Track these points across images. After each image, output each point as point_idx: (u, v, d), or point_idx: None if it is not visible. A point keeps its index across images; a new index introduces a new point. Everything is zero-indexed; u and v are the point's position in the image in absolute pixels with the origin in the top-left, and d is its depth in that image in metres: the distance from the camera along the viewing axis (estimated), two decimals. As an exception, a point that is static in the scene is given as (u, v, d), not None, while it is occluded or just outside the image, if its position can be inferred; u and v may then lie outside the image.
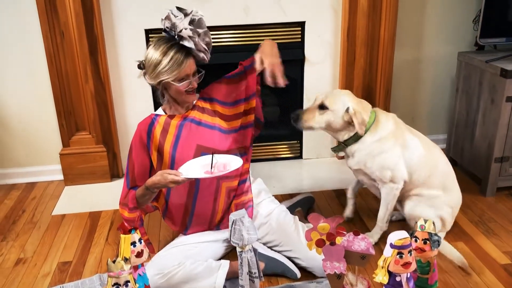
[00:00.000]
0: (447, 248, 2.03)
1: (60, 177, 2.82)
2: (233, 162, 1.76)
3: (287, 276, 1.92)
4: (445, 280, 1.90)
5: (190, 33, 1.78)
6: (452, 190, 2.11)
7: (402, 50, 2.90)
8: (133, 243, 1.49)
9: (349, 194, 2.32)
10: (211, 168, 1.74)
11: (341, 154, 2.11)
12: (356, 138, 2.01)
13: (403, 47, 2.91)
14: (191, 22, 1.80)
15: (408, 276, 1.42)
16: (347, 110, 1.96)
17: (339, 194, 2.62)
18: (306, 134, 3.01)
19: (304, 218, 2.23)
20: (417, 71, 3.00)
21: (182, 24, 1.77)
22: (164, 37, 1.83)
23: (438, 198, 2.07)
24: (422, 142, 2.07)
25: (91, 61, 2.57)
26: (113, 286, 1.31)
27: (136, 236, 1.50)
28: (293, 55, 2.81)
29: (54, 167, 2.84)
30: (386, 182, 2.03)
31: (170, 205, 1.99)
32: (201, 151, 1.89)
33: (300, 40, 2.79)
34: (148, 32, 2.65)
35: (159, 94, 1.94)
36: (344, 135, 2.03)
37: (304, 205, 2.37)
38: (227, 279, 1.84)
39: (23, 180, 2.84)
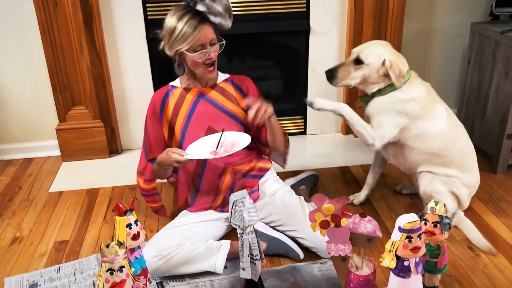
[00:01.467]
0: (475, 235, 1.97)
1: (57, 152, 2.75)
2: (242, 142, 1.70)
3: (289, 256, 1.86)
4: (453, 262, 1.84)
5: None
6: (471, 171, 2.03)
7: (411, 20, 2.77)
8: (129, 225, 1.43)
9: (370, 179, 2.23)
10: (217, 147, 1.71)
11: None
12: (384, 92, 1.91)
13: (413, 17, 2.77)
14: None
15: (417, 260, 1.36)
16: (383, 63, 1.86)
17: (344, 171, 2.54)
18: (310, 109, 2.90)
19: (308, 196, 2.17)
20: (427, 42, 2.88)
21: None
22: (182, 4, 1.75)
23: (454, 177, 1.99)
24: (448, 116, 1.97)
25: (86, 32, 2.46)
26: (107, 271, 1.25)
27: (132, 218, 1.43)
28: (297, 26, 2.69)
29: (51, 143, 2.76)
30: (373, 136, 1.93)
31: (178, 181, 1.97)
32: (211, 133, 1.84)
33: (305, 9, 2.66)
34: (145, 1, 2.52)
35: (176, 66, 1.87)
36: (375, 88, 1.93)
37: (308, 183, 2.30)
38: (228, 260, 1.79)
39: (19, 156, 2.78)
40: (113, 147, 2.78)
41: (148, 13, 2.55)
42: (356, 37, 2.67)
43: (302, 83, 2.86)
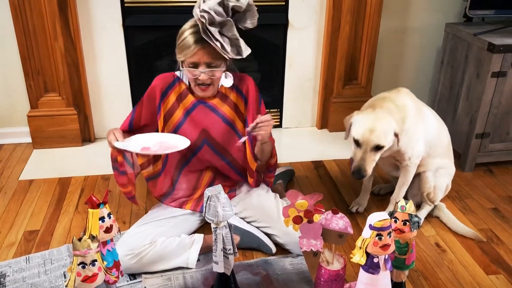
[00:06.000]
0: (458, 225, 2.07)
1: (28, 139, 2.69)
2: (179, 145, 1.71)
3: (262, 250, 1.88)
4: (421, 257, 1.90)
5: (198, 15, 1.59)
6: (452, 159, 2.13)
7: (388, 17, 2.80)
8: (102, 218, 1.41)
9: (367, 185, 2.18)
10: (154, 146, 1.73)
11: None
12: None
13: (390, 15, 2.81)
14: (227, 8, 1.61)
15: (386, 257, 1.39)
16: (395, 135, 1.81)
17: (318, 166, 2.57)
18: (286, 102, 2.93)
19: (284, 191, 2.19)
20: (403, 40, 2.92)
21: (204, 4, 1.59)
22: None
23: (450, 167, 2.09)
24: (433, 113, 2.03)
25: (61, 17, 2.40)
26: (79, 265, 1.24)
27: (105, 210, 1.42)
28: (276, 20, 2.69)
29: (22, 129, 2.70)
30: (412, 160, 1.95)
31: (164, 170, 1.92)
32: (204, 136, 1.83)
33: (284, 3, 2.66)
34: (122, -12, 2.48)
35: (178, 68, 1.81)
36: None
37: (284, 178, 2.33)
38: (201, 254, 1.79)
39: (-12, 142, 2.71)
40: (86, 136, 2.74)
41: (125, 0, 2.50)
42: (334, 33, 2.69)
43: (279, 76, 2.87)
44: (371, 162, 1.81)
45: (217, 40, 1.62)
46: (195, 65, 1.69)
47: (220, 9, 1.60)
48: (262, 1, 2.63)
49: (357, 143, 1.83)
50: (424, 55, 2.98)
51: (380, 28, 2.71)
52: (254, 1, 2.57)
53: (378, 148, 1.80)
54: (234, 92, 1.85)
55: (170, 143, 1.74)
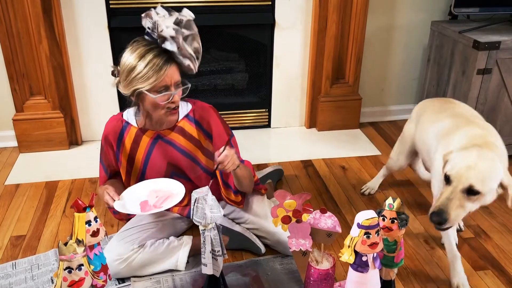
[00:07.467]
0: None
1: (14, 143, 2.66)
2: (176, 196, 1.65)
3: (251, 251, 1.88)
4: (410, 255, 1.90)
5: (173, 33, 1.53)
6: None
7: (374, 16, 2.82)
8: (88, 222, 1.40)
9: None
10: (152, 199, 1.67)
11: None
12: None
13: (376, 13, 2.82)
14: (178, 23, 1.57)
15: (375, 255, 1.40)
16: (501, 185, 1.48)
17: (307, 165, 2.57)
18: (274, 102, 2.92)
19: (273, 191, 2.18)
20: (389, 39, 2.93)
21: (165, 23, 1.54)
22: (144, 39, 1.61)
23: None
24: None
25: (45, 20, 2.37)
26: (65, 270, 1.23)
27: (91, 214, 1.40)
28: (262, 19, 2.69)
29: (7, 133, 2.67)
30: None
31: None
32: (171, 169, 1.79)
33: (270, 3, 2.66)
34: (107, -12, 2.46)
35: (133, 104, 1.71)
36: None
37: (274, 177, 2.32)
38: (190, 256, 1.78)
39: (-27, 147, 2.67)
40: (73, 139, 2.71)
41: (110, 1, 2.48)
42: (321, 32, 2.69)
43: (267, 76, 2.86)
44: (457, 207, 1.46)
45: (190, 55, 1.59)
46: (166, 88, 1.59)
47: (176, 27, 1.57)
48: (249, 0, 2.62)
49: (447, 180, 1.51)
50: (410, 53, 2.99)
51: (366, 26, 2.71)
52: (241, 1, 2.62)
53: (471, 191, 1.45)
54: (193, 127, 1.76)
55: (164, 189, 1.69)
